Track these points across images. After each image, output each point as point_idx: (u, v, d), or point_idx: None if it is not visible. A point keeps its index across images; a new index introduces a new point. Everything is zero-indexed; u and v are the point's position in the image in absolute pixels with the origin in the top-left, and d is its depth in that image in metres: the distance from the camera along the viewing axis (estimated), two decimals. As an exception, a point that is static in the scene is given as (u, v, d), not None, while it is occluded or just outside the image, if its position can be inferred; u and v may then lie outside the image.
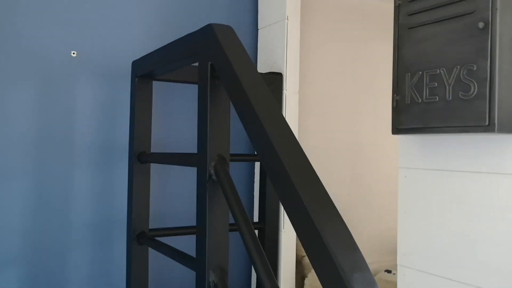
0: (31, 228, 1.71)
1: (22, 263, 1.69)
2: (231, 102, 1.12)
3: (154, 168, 1.81)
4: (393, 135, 1.36)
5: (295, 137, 0.94)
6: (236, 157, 1.93)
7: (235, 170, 2.12)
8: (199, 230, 1.19)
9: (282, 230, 2.06)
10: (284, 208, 0.87)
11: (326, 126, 2.48)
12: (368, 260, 0.84)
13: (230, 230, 1.31)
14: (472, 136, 1.23)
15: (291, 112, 2.09)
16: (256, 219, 2.11)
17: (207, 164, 1.15)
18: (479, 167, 1.21)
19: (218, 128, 1.17)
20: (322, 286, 0.76)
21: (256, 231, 2.05)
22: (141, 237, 1.66)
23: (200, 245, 1.18)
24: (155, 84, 1.80)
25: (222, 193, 1.14)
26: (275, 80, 2.03)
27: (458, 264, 1.26)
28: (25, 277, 1.69)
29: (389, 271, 2.38)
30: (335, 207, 0.83)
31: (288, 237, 2.05)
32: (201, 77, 1.19)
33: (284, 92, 2.05)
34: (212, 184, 1.16)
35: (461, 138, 1.26)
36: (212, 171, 1.15)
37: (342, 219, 0.82)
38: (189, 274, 1.26)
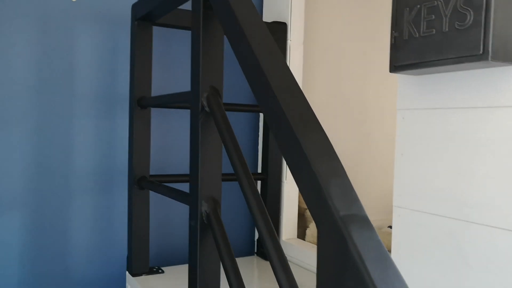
0: (34, 174, 1.73)
1: (25, 208, 1.72)
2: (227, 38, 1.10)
3: (155, 117, 1.82)
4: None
5: (292, 76, 0.91)
6: (238, 107, 1.93)
7: (240, 121, 2.13)
8: (192, 161, 1.20)
9: (285, 181, 2.06)
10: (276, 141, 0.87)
11: (332, 82, 2.46)
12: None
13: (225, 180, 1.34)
14: (468, 72, 1.21)
15: (295, 64, 2.07)
16: (260, 171, 2.12)
17: (200, 95, 1.15)
18: (475, 102, 1.20)
19: (211, 59, 1.17)
20: (301, 193, 0.76)
21: (259, 182, 2.07)
22: (142, 181, 1.68)
23: (193, 176, 1.19)
24: (157, 31, 1.80)
25: (214, 125, 1.14)
26: (279, 29, 2.01)
27: (453, 201, 1.25)
28: (29, 222, 1.72)
29: (391, 227, 2.38)
30: (324, 133, 0.81)
31: (290, 188, 2.06)
32: (194, 8, 1.18)
33: (288, 42, 2.03)
34: (205, 116, 1.16)
35: (458, 75, 1.24)
36: (205, 103, 1.15)
37: (327, 137, 0.81)
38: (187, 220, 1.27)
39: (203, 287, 1.18)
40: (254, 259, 2.07)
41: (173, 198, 1.40)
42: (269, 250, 0.90)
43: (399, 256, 1.43)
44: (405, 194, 1.41)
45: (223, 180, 1.83)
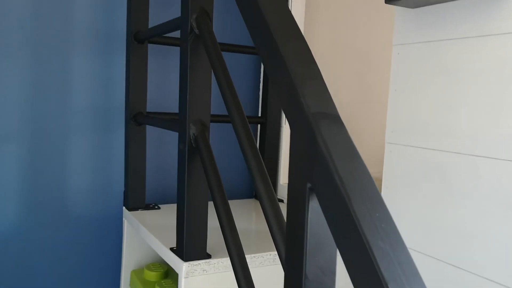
0: (30, 110, 1.73)
1: (21, 145, 1.73)
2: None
3: (151, 53, 1.82)
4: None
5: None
6: (235, 47, 1.92)
7: (240, 65, 2.12)
8: (181, 85, 1.21)
9: (284, 126, 2.07)
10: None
11: (335, 30, 2.43)
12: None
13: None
14: (461, 2, 1.19)
15: (297, 9, 2.05)
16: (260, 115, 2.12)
17: (189, 17, 1.15)
18: (467, 32, 1.18)
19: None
20: (277, 96, 0.77)
21: (258, 127, 2.08)
22: (138, 116, 1.70)
23: (182, 100, 1.20)
24: None
25: (203, 48, 1.15)
26: (280, -29, 1.98)
27: (443, 134, 1.25)
28: (26, 158, 1.74)
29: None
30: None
31: (289, 133, 2.07)
32: None
33: (290, -15, 2.01)
34: (194, 38, 1.16)
35: (451, 6, 1.23)
36: (194, 24, 1.15)
37: (307, 45, 0.81)
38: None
39: (190, 211, 1.21)
40: (252, 202, 2.10)
41: (166, 128, 1.41)
42: (258, 189, 0.91)
43: (389, 191, 1.44)
44: (397, 130, 1.41)
45: (216, 121, 1.86)
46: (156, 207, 1.82)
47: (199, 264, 1.22)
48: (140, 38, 1.64)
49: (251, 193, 2.21)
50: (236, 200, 2.07)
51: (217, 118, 1.82)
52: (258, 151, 0.97)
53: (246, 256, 1.02)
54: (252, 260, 1.30)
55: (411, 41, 1.36)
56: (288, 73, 0.74)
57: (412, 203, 1.35)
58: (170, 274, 1.70)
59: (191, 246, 1.21)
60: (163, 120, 1.48)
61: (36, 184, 1.76)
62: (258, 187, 0.91)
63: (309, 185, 0.67)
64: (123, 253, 1.78)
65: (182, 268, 1.21)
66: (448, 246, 1.23)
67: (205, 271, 1.23)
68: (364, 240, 0.55)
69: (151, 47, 1.79)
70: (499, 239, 1.11)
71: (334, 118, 0.70)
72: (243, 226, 1.61)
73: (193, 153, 1.19)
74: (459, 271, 1.20)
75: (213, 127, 1.43)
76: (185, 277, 1.20)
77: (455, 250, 1.21)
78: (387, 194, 1.44)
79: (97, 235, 1.85)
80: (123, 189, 1.86)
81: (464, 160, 1.18)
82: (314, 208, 0.68)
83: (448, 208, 1.22)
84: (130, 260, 1.78)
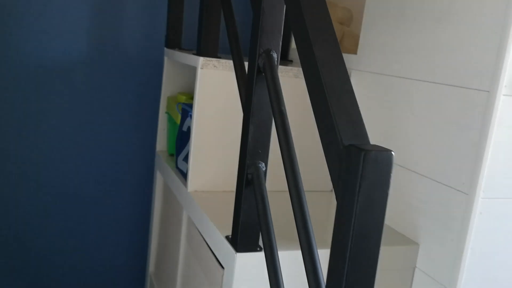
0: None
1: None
2: None
3: None
4: None
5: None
6: None
7: None
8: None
9: None
10: None
11: None
12: None
13: None
14: None
15: None
16: None
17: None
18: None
19: None
20: None
21: None
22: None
23: None
24: None
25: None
26: None
27: (411, 63, 1.56)
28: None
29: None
30: None
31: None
32: None
33: None
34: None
35: None
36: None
37: None
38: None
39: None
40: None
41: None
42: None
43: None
44: (368, 58, 1.72)
45: None
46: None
47: (211, 60, 1.65)
48: None
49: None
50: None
51: None
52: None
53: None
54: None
55: None
56: None
57: (379, 124, 1.68)
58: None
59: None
60: None
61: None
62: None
63: None
64: (162, 82, 2.23)
65: (198, 62, 1.64)
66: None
67: (215, 67, 1.66)
68: None
69: None
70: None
71: None
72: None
73: None
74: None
75: None
76: (201, 68, 1.64)
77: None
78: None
79: (140, 68, 2.31)
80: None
81: (428, 88, 1.50)
82: None
83: (409, 126, 1.56)
84: (167, 89, 2.24)
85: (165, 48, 2.23)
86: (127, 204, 2.39)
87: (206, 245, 1.52)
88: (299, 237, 0.92)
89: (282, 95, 1.11)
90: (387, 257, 1.45)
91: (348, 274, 0.74)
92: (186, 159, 1.82)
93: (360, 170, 0.73)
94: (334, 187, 0.80)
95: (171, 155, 2.18)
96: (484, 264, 1.36)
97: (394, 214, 1.58)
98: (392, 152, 0.75)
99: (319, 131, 0.86)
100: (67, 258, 2.35)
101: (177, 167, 1.95)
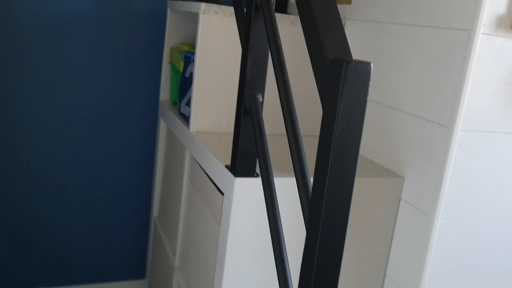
0: None
1: None
2: None
3: None
4: None
5: None
6: None
7: None
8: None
9: None
10: None
11: None
12: None
13: None
14: None
15: None
16: None
17: None
18: None
19: None
20: None
21: None
22: None
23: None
24: None
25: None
26: None
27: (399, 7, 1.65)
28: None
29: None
30: None
31: None
32: None
33: None
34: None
35: None
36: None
37: None
38: None
39: None
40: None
41: None
42: None
43: None
44: (361, 7, 1.82)
45: None
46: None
47: (212, 6, 1.74)
48: None
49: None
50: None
51: None
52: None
53: None
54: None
55: None
56: None
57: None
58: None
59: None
60: None
61: None
62: None
63: None
64: (166, 33, 2.33)
65: (200, 7, 1.73)
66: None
67: (216, 13, 1.76)
68: None
69: None
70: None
71: None
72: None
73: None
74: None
75: None
76: (202, 14, 1.74)
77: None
78: None
79: (144, 20, 2.40)
80: None
81: (408, 30, 1.60)
82: None
83: (393, 72, 1.66)
84: (170, 40, 2.33)
85: (168, 0, 2.32)
86: (132, 152, 2.52)
87: (207, 177, 1.65)
88: (293, 159, 1.03)
89: (277, 29, 1.22)
90: (374, 189, 1.58)
91: (332, 167, 0.86)
92: (188, 103, 1.94)
93: (342, 78, 0.84)
94: (320, 96, 0.91)
95: (174, 103, 2.29)
96: (463, 192, 1.48)
97: (382, 151, 1.70)
98: (371, 64, 0.86)
99: (308, 50, 0.97)
100: (74, 202, 2.48)
101: (180, 113, 2.07)
